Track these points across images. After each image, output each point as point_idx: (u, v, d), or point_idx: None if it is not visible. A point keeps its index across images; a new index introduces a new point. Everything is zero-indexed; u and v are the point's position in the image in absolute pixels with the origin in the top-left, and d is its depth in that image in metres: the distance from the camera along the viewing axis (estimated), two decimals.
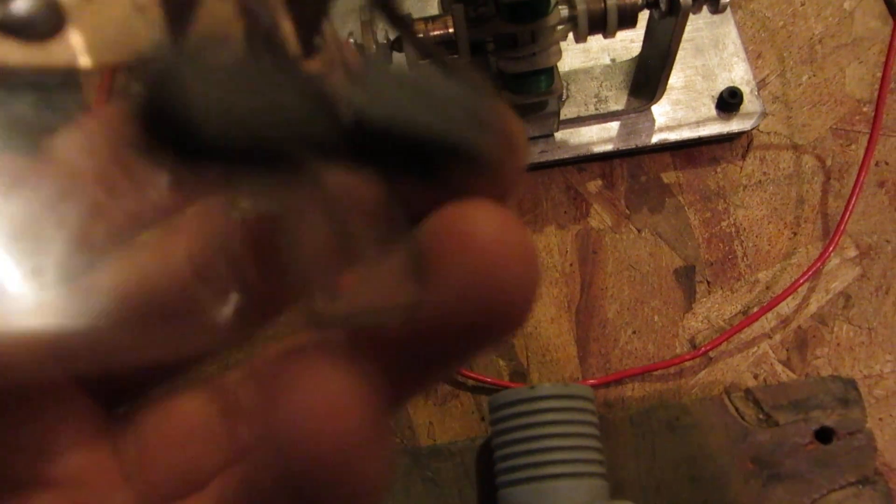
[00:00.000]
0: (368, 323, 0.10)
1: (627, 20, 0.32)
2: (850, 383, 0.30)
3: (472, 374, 0.34)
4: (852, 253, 0.35)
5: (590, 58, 0.40)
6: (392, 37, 0.32)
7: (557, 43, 0.32)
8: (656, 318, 0.35)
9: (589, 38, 0.32)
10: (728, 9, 0.39)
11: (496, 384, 0.34)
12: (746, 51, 0.39)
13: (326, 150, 0.09)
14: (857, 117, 0.38)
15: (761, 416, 0.30)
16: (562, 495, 0.24)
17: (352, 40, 0.31)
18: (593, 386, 0.33)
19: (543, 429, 0.25)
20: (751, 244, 0.36)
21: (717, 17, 0.39)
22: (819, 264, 0.34)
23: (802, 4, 0.41)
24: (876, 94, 0.34)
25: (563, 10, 0.31)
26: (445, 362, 0.10)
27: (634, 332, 0.35)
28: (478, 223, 0.09)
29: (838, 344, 0.34)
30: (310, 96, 0.09)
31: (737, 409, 0.30)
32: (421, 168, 0.10)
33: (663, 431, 0.30)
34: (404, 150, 0.09)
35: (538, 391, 0.26)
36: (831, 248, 0.34)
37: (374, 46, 0.31)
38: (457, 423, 0.34)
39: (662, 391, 0.34)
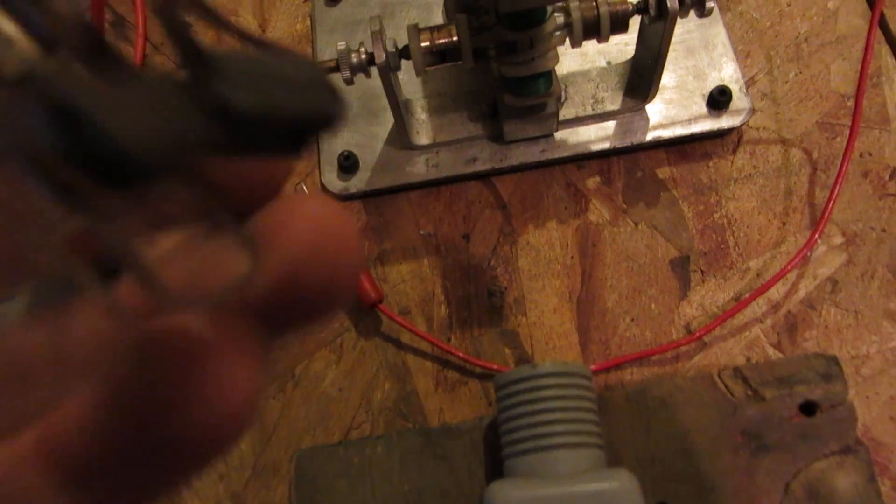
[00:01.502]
0: (210, 300, 0.10)
1: (619, 25, 0.34)
2: (832, 359, 0.32)
3: (480, 362, 0.36)
4: (839, 240, 0.37)
5: (587, 61, 0.42)
6: (400, 46, 0.34)
7: (554, 48, 0.34)
8: (653, 306, 0.37)
9: (584, 42, 0.34)
10: (717, 11, 0.41)
11: (502, 371, 0.36)
12: (735, 51, 0.41)
13: (206, 147, 0.10)
14: (842, 111, 0.40)
15: (749, 393, 0.31)
16: (562, 463, 0.26)
17: (364, 49, 0.34)
18: (594, 371, 0.35)
19: (545, 403, 0.27)
20: (742, 234, 0.38)
21: (706, 20, 0.41)
22: (806, 251, 0.36)
23: (788, 5, 0.43)
24: None
25: (559, 18, 0.33)
26: (284, 329, 0.11)
27: (633, 320, 0.37)
28: (305, 209, 0.11)
29: (826, 327, 0.36)
30: (179, 99, 0.10)
31: (726, 386, 0.32)
32: (291, 140, 0.11)
33: (657, 408, 0.32)
34: (277, 128, 0.10)
35: (539, 369, 0.28)
36: (816, 235, 0.36)
37: (384, 55, 0.33)
38: (466, 408, 0.36)
39: (660, 375, 0.36)
